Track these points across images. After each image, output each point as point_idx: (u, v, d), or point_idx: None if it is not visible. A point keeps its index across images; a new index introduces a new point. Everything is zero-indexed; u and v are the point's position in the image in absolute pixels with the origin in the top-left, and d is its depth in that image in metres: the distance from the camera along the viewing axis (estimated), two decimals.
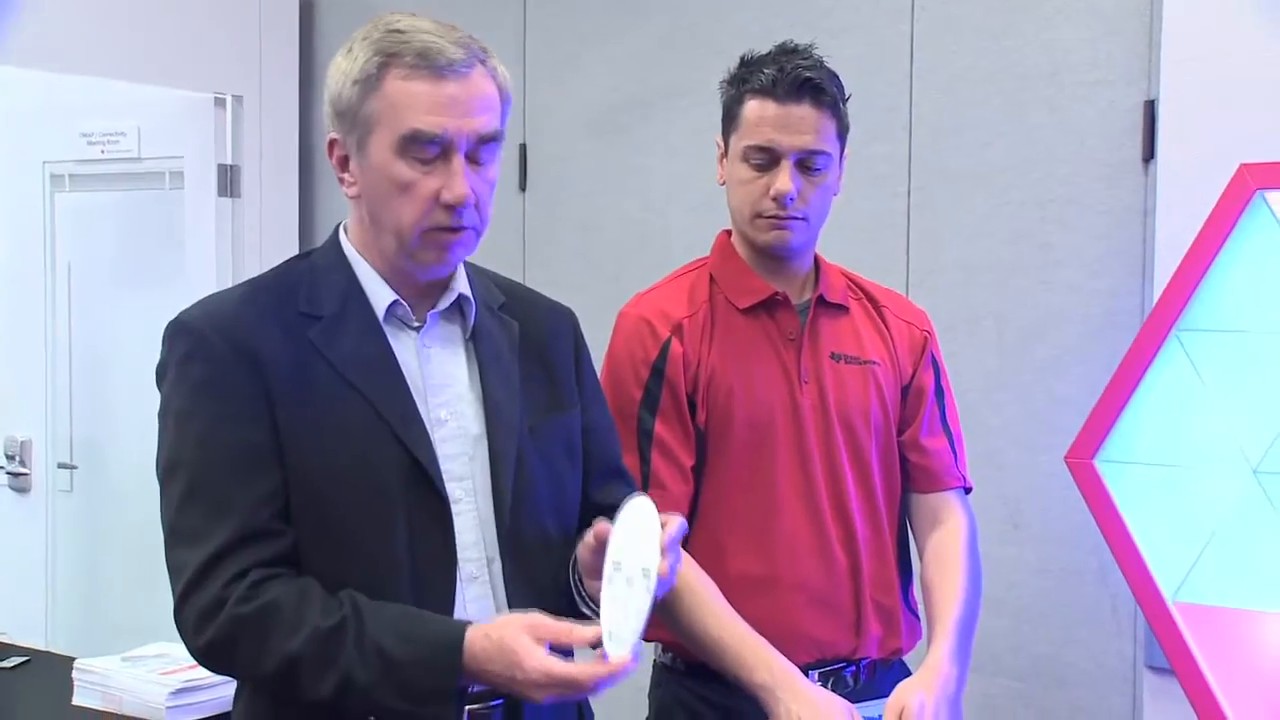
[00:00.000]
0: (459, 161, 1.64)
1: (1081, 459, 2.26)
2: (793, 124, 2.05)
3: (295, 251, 3.92)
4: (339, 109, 1.66)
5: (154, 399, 4.04)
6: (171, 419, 1.66)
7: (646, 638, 2.15)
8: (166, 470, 1.65)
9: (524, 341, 1.81)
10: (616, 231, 3.54)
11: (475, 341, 1.76)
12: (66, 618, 4.25)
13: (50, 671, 2.80)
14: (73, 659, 2.70)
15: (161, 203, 4.00)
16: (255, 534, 1.61)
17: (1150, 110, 2.82)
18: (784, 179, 2.05)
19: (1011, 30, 2.99)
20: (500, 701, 1.69)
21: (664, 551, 1.59)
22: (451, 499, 1.68)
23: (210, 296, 1.76)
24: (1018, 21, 2.99)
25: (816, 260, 2.20)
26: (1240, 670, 2.19)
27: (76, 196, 4.21)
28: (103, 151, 4.06)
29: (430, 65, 1.62)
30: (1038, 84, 2.96)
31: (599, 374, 2.13)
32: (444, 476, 1.68)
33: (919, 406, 2.20)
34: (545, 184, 3.64)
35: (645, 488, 2.06)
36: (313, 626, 1.57)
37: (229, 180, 3.85)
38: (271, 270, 1.78)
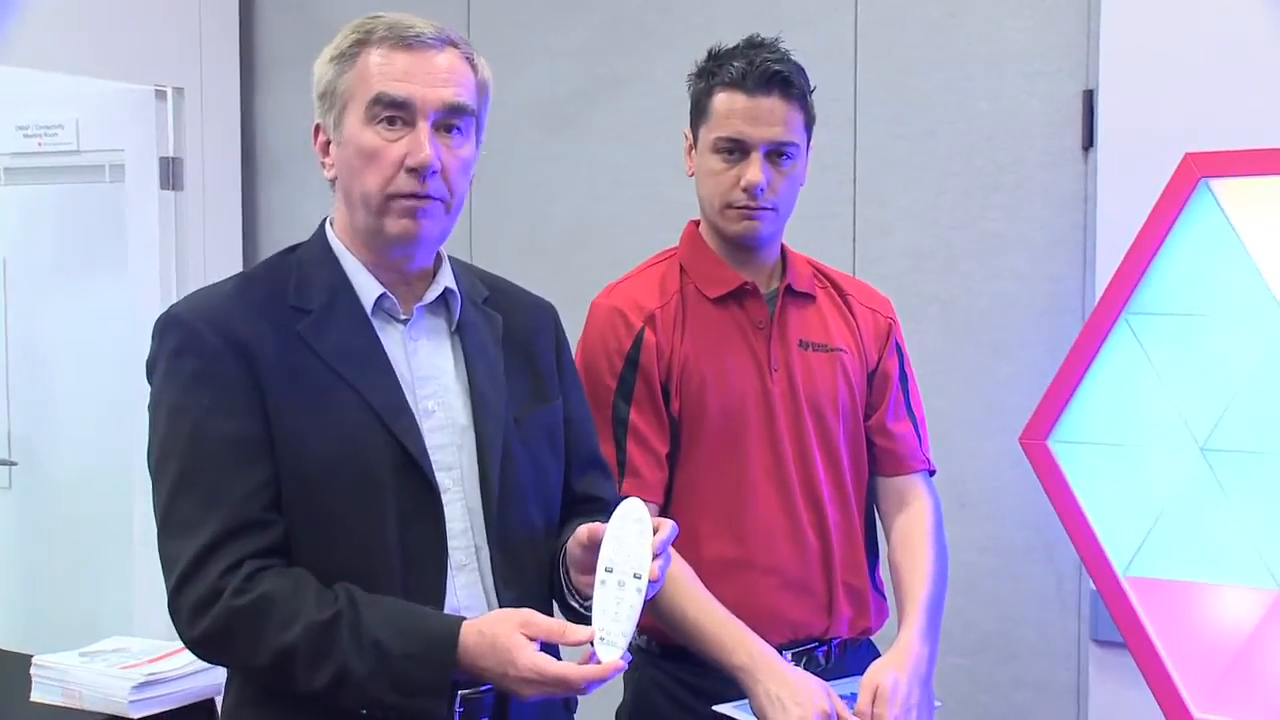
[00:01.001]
0: (424, 128, 1.68)
1: (1035, 440, 2.33)
2: (762, 116, 2.09)
3: (239, 245, 3.95)
4: (319, 91, 1.72)
5: (96, 393, 4.08)
6: (163, 412, 1.67)
7: (655, 616, 2.19)
8: (158, 462, 1.67)
9: (508, 335, 1.85)
10: (563, 221, 3.57)
11: (461, 334, 1.79)
12: (7, 615, 4.21)
13: (4, 668, 2.78)
14: (28, 656, 2.69)
15: (102, 196, 3.97)
16: (247, 525, 1.63)
17: (1089, 100, 2.89)
18: (754, 170, 2.09)
19: (953, 21, 3.05)
20: (490, 686, 1.71)
21: (655, 555, 1.63)
22: (440, 488, 1.71)
23: (201, 291, 1.78)
24: (959, 13, 3.05)
25: (783, 250, 2.24)
26: (1188, 641, 2.26)
27: (14, 190, 4.16)
28: (40, 144, 4.02)
29: (400, 37, 1.69)
30: (980, 74, 3.03)
31: (575, 361, 2.18)
32: (433, 466, 1.71)
33: (884, 392, 2.25)
34: (491, 175, 3.65)
35: (621, 475, 2.10)
36: (308, 619, 1.59)
37: (171, 173, 3.82)
38: (261, 264, 1.82)
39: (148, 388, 1.72)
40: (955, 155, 3.06)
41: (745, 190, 2.10)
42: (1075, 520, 2.30)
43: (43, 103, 3.99)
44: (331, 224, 1.79)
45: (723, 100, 2.10)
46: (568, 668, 1.59)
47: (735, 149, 2.10)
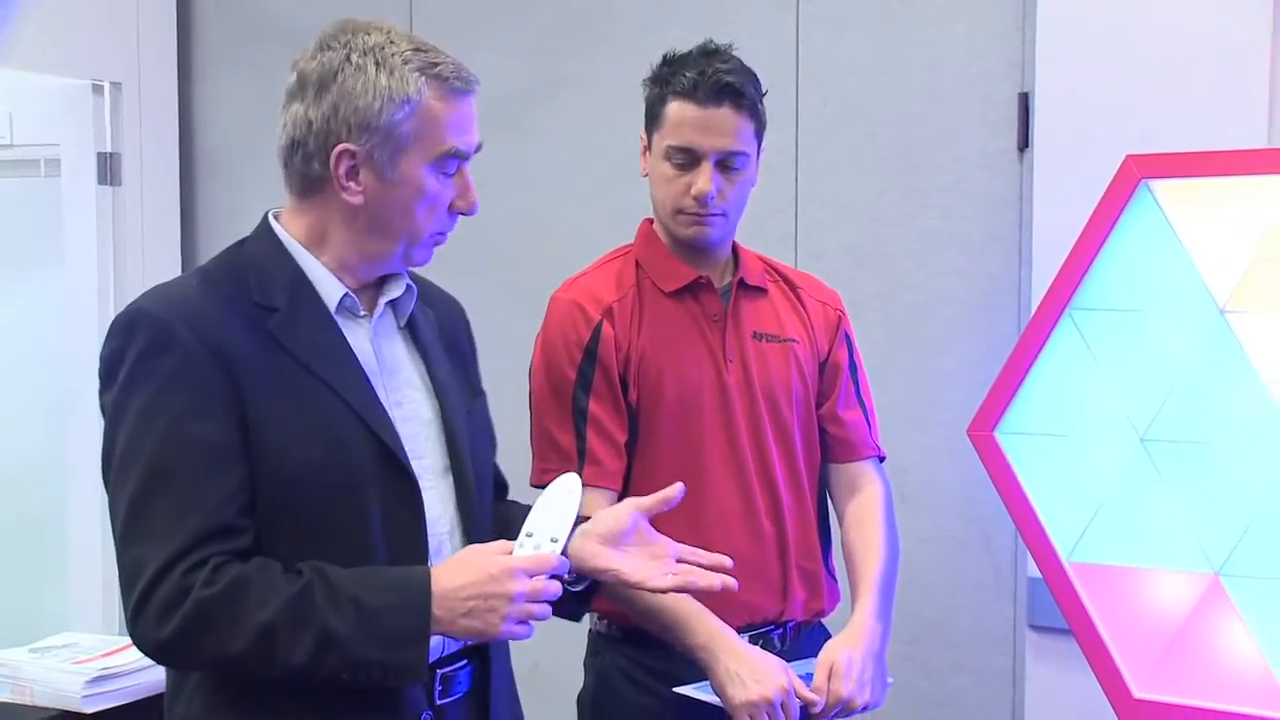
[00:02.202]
0: (467, 171, 1.75)
1: (983, 431, 2.40)
2: (713, 126, 2.15)
3: (178, 241, 3.94)
4: (367, 122, 1.68)
5: (32, 390, 3.99)
6: (131, 412, 1.64)
7: (617, 600, 2.23)
8: (123, 464, 1.64)
9: (439, 330, 1.90)
10: (506, 220, 3.58)
11: (411, 329, 1.84)
12: None
13: None
14: None
15: (37, 191, 3.93)
16: (221, 530, 1.62)
17: (1025, 102, 2.97)
18: (704, 180, 2.16)
19: (892, 25, 3.13)
20: (466, 662, 1.78)
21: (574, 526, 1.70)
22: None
23: (163, 287, 1.76)
24: (898, 16, 3.12)
25: (734, 246, 2.31)
26: (1128, 624, 2.34)
27: None
28: None
29: (465, 82, 1.73)
30: (918, 76, 3.10)
31: (533, 357, 2.23)
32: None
33: (835, 381, 2.33)
34: None
35: (581, 463, 2.16)
36: (282, 594, 1.59)
37: (109, 168, 3.79)
38: (215, 260, 1.80)
39: (93, 385, 1.70)
40: (895, 155, 3.13)
41: (695, 198, 2.17)
42: (1021, 509, 2.37)
43: None
44: (276, 219, 1.78)
45: (675, 109, 2.17)
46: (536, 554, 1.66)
47: (686, 157, 2.17)
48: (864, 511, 2.30)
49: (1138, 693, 2.30)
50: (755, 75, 2.22)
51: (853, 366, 2.36)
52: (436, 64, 1.70)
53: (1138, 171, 2.28)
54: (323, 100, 1.69)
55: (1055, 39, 2.84)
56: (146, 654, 1.66)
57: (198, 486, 1.61)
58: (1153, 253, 2.29)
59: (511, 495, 2.04)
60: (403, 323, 1.83)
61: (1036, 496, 2.37)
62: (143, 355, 1.64)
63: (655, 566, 1.81)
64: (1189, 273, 2.25)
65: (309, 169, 1.71)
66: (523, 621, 1.65)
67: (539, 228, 3.56)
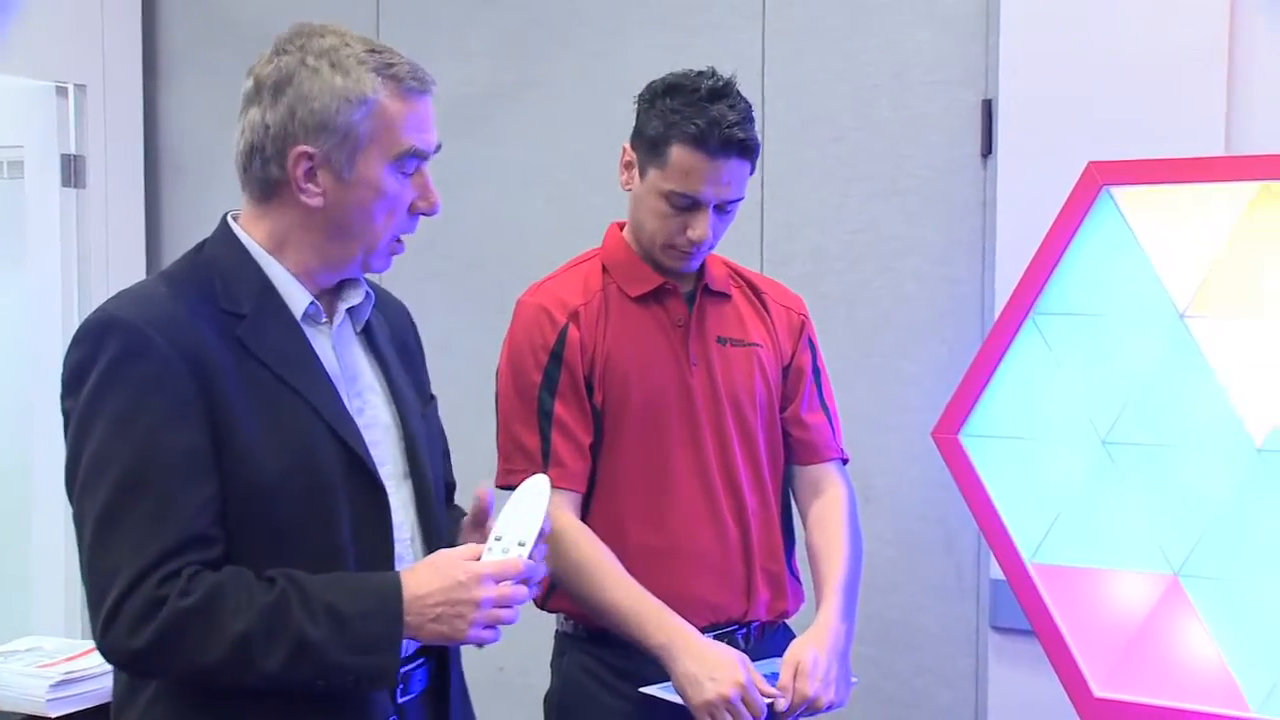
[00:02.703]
0: (426, 171, 1.75)
1: (947, 434, 2.43)
2: (719, 179, 2.17)
3: (142, 244, 3.93)
4: (324, 123, 1.67)
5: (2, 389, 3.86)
6: (104, 420, 1.62)
7: (549, 608, 2.27)
8: (93, 472, 1.62)
9: (392, 334, 1.91)
10: (471, 221, 3.60)
11: (367, 335, 1.85)
12: None
13: None
14: None
15: (1, 193, 3.91)
16: (195, 540, 1.61)
17: (988, 109, 3.01)
18: (703, 227, 2.19)
19: (857, 32, 3.15)
20: (423, 661, 1.79)
21: (542, 533, 1.70)
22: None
23: (131, 293, 1.73)
24: (863, 23, 3.14)
25: None
26: (1089, 624, 2.38)
27: None
28: None
29: (421, 82, 1.72)
30: (882, 82, 3.13)
31: (500, 359, 2.25)
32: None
33: (799, 385, 2.35)
34: None
35: (545, 465, 2.18)
36: (258, 603, 1.59)
37: (73, 170, 3.77)
38: (178, 264, 1.78)
39: (57, 388, 1.68)
40: (859, 161, 3.15)
41: (691, 241, 2.19)
42: (984, 511, 2.40)
43: None
44: (238, 224, 1.77)
45: (680, 156, 2.16)
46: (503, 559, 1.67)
47: (685, 202, 2.18)
48: (828, 513, 2.32)
49: (1098, 692, 2.33)
50: (752, 115, 2.22)
51: (816, 370, 2.39)
52: (392, 64, 1.71)
53: (1099, 178, 2.31)
54: (279, 104, 1.68)
55: (1018, 46, 2.88)
56: (117, 664, 1.65)
57: (172, 496, 1.60)
58: (1114, 258, 2.32)
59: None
60: (359, 329, 1.83)
61: (1000, 498, 2.40)
62: (116, 361, 1.62)
63: None
64: (1150, 278, 2.29)
65: (267, 173, 1.70)
66: (490, 626, 1.66)
67: (503, 230, 3.57)
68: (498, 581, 1.65)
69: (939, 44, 3.07)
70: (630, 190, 2.26)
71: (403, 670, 1.75)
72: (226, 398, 1.64)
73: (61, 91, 3.78)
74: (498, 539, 1.69)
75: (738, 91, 2.21)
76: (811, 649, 2.14)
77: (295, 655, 1.59)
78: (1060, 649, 2.35)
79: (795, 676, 2.11)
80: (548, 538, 1.76)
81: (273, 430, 1.66)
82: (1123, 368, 2.32)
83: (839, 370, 3.15)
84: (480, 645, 1.69)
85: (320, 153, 1.68)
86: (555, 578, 2.16)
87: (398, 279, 3.67)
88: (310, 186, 1.70)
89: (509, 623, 1.68)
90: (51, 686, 2.56)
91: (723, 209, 2.20)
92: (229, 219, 1.78)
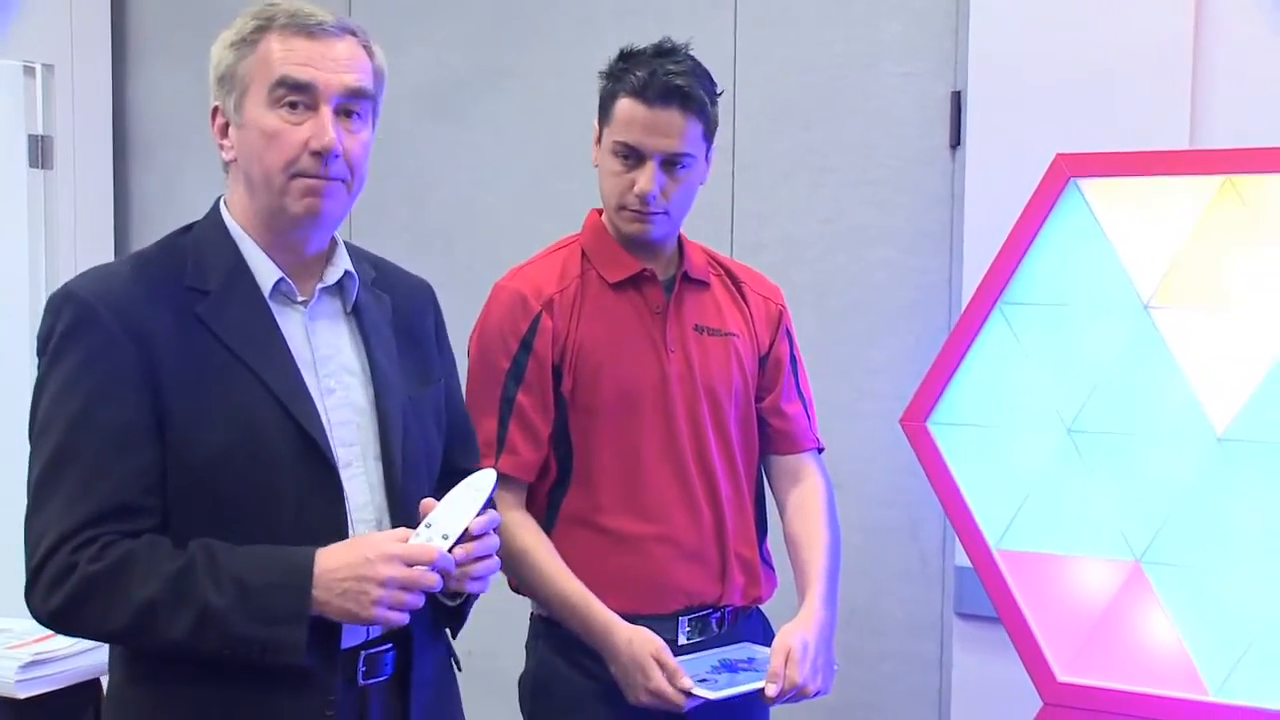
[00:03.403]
0: (326, 112, 1.73)
1: (915, 422, 2.45)
2: (659, 128, 2.18)
3: (110, 226, 3.91)
4: (219, 74, 1.76)
5: None
6: (50, 390, 1.69)
7: (523, 591, 2.28)
8: (37, 439, 1.69)
9: (395, 315, 1.91)
10: (445, 208, 3.61)
11: (357, 315, 1.85)
12: None
13: None
14: None
15: None
16: (118, 510, 1.65)
17: (957, 100, 3.03)
18: (646, 179, 2.19)
19: (828, 22, 3.17)
20: (391, 645, 1.80)
21: (470, 530, 1.72)
22: (342, 464, 1.77)
23: (99, 269, 1.80)
24: (834, 14, 3.17)
25: (680, 239, 2.34)
26: (1053, 609, 2.41)
27: None
28: None
29: (302, 24, 1.74)
30: (853, 73, 3.15)
31: (470, 339, 2.25)
32: (334, 443, 1.76)
33: (777, 376, 2.38)
34: (373, 161, 3.66)
35: (499, 452, 2.20)
36: (166, 571, 1.62)
37: (40, 151, 3.75)
38: (156, 244, 1.82)
39: (20, 367, 1.75)
40: (830, 151, 3.18)
41: (638, 197, 2.20)
42: (951, 498, 2.43)
43: None
44: (226, 205, 1.82)
45: (624, 106, 2.19)
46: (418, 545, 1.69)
47: (632, 155, 2.20)
48: (806, 502, 2.35)
49: (1061, 676, 2.36)
50: (709, 76, 2.25)
51: (793, 361, 2.42)
52: (277, 12, 1.75)
53: (1067, 170, 2.34)
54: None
55: (987, 39, 2.91)
56: (40, 623, 1.70)
57: (100, 466, 1.65)
58: (1080, 249, 2.35)
59: None
60: (349, 308, 1.84)
61: (966, 486, 2.42)
62: (65, 334, 1.69)
63: None
64: (1115, 269, 2.32)
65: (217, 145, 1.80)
66: (398, 609, 1.68)
67: (476, 216, 3.58)
68: (408, 565, 1.67)
69: (909, 36, 3.10)
70: (598, 165, 2.28)
71: (370, 653, 1.78)
72: (170, 373, 1.68)
73: (29, 71, 3.76)
74: (428, 526, 1.72)
75: (687, 52, 2.25)
76: (801, 635, 2.17)
77: (199, 623, 1.62)
78: (1025, 634, 2.38)
79: (786, 663, 2.13)
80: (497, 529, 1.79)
81: (220, 406, 1.69)
82: (1088, 357, 2.34)
83: (808, 358, 3.15)
84: (386, 626, 1.72)
85: (224, 106, 1.76)
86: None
87: None
88: (225, 142, 1.77)
89: (411, 607, 1.69)
90: (21, 668, 2.56)
91: (672, 165, 2.20)
92: (221, 201, 1.83)
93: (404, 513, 1.81)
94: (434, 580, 1.68)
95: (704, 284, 2.34)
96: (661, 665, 2.11)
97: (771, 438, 2.38)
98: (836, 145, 3.17)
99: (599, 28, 3.38)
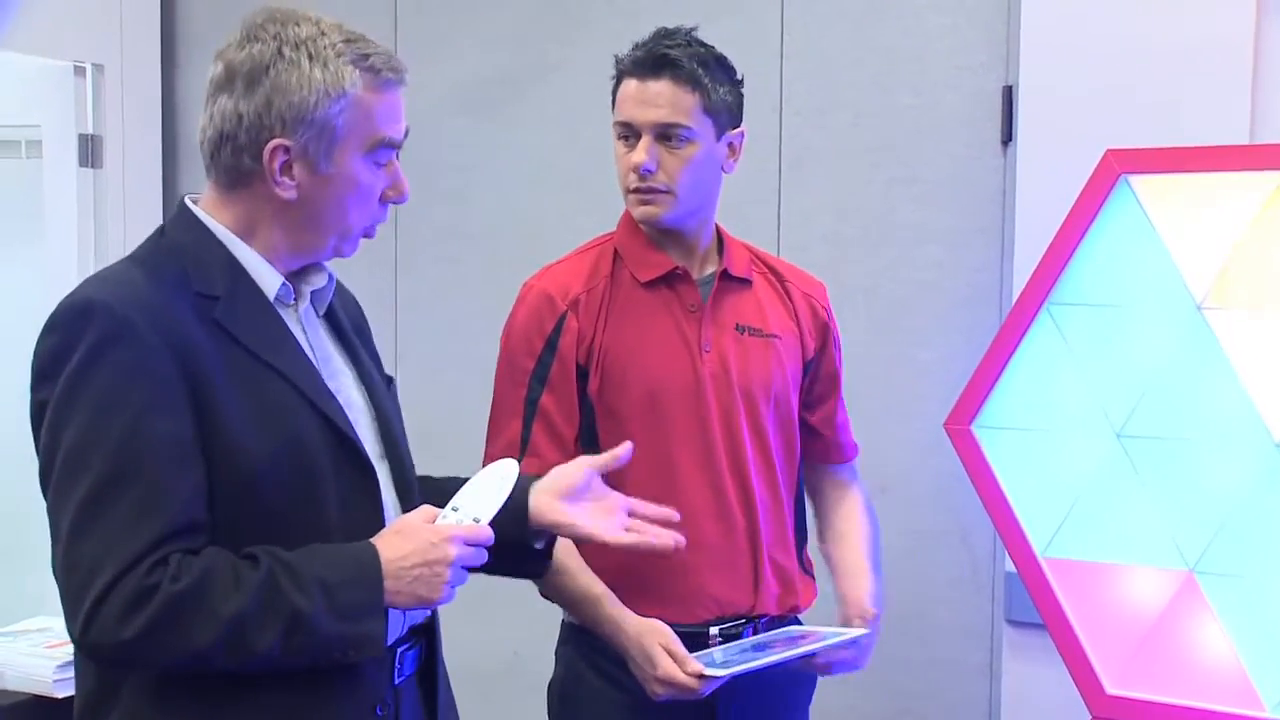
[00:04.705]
0: (397, 163, 1.74)
1: (960, 425, 2.39)
2: (649, 99, 2.14)
3: (159, 224, 3.88)
4: (301, 116, 1.65)
5: (7, 374, 3.92)
6: (85, 407, 1.58)
7: (546, 593, 2.24)
8: (75, 460, 1.57)
9: (347, 317, 1.89)
10: (489, 205, 3.58)
11: (329, 318, 1.83)
12: None
13: None
14: None
15: (18, 172, 3.91)
16: (182, 529, 1.58)
17: (1009, 95, 2.96)
18: (638, 152, 2.15)
19: (877, 15, 3.11)
20: (411, 642, 1.79)
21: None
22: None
23: (106, 277, 1.69)
24: (883, 7, 3.11)
25: (720, 235, 2.29)
26: (1102, 620, 2.34)
27: None
28: None
29: (396, 76, 1.71)
30: (903, 68, 3.09)
31: (501, 337, 2.25)
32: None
33: (832, 387, 2.36)
34: (418, 159, 3.64)
35: (522, 453, 2.17)
36: (247, 582, 1.57)
37: (90, 150, 3.77)
38: (144, 249, 1.74)
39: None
40: (878, 146, 3.12)
41: (633, 171, 2.15)
42: (997, 503, 2.37)
43: None
44: (195, 205, 1.73)
45: (621, 87, 2.18)
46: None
47: (629, 133, 2.16)
48: (853, 509, 2.36)
49: (1111, 689, 2.29)
50: (717, 56, 2.20)
51: (840, 370, 2.40)
52: (369, 55, 1.69)
53: (1117, 166, 2.27)
54: (254, 94, 1.66)
55: (1040, 32, 2.84)
56: (100, 658, 1.60)
57: (159, 486, 1.57)
58: (1131, 248, 2.28)
59: None
60: (322, 311, 1.82)
61: (1012, 491, 2.37)
62: (96, 347, 1.58)
63: (610, 521, 1.86)
64: (1167, 269, 2.25)
65: (239, 163, 1.68)
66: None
67: (521, 215, 3.54)
68: (467, 544, 1.67)
69: (960, 29, 3.03)
70: None
71: (398, 651, 1.76)
72: (210, 381, 1.61)
73: (79, 71, 3.76)
74: (454, 509, 1.71)
75: (690, 33, 2.21)
76: (867, 598, 2.22)
77: (290, 631, 1.58)
78: (1072, 645, 2.32)
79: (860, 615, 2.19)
80: None
81: (258, 413, 1.64)
82: (1138, 360, 2.27)
83: (854, 358, 3.11)
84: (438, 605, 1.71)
85: (297, 146, 1.66)
86: None
87: (415, 263, 3.68)
88: (285, 179, 1.67)
89: (460, 583, 1.70)
90: (59, 667, 2.57)
91: (667, 138, 2.15)
92: (188, 202, 1.74)
93: (411, 509, 1.79)
94: (484, 559, 1.69)
95: (746, 282, 2.29)
96: (670, 654, 2.06)
97: (820, 449, 2.36)
98: (885, 141, 3.11)
99: (644, 23, 3.27)
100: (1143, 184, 2.27)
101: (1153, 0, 2.71)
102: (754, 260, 2.33)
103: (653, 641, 2.08)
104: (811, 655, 2.12)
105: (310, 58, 1.66)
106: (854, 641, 2.17)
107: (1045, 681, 2.79)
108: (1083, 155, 2.44)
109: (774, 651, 2.11)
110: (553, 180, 3.50)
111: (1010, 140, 2.96)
